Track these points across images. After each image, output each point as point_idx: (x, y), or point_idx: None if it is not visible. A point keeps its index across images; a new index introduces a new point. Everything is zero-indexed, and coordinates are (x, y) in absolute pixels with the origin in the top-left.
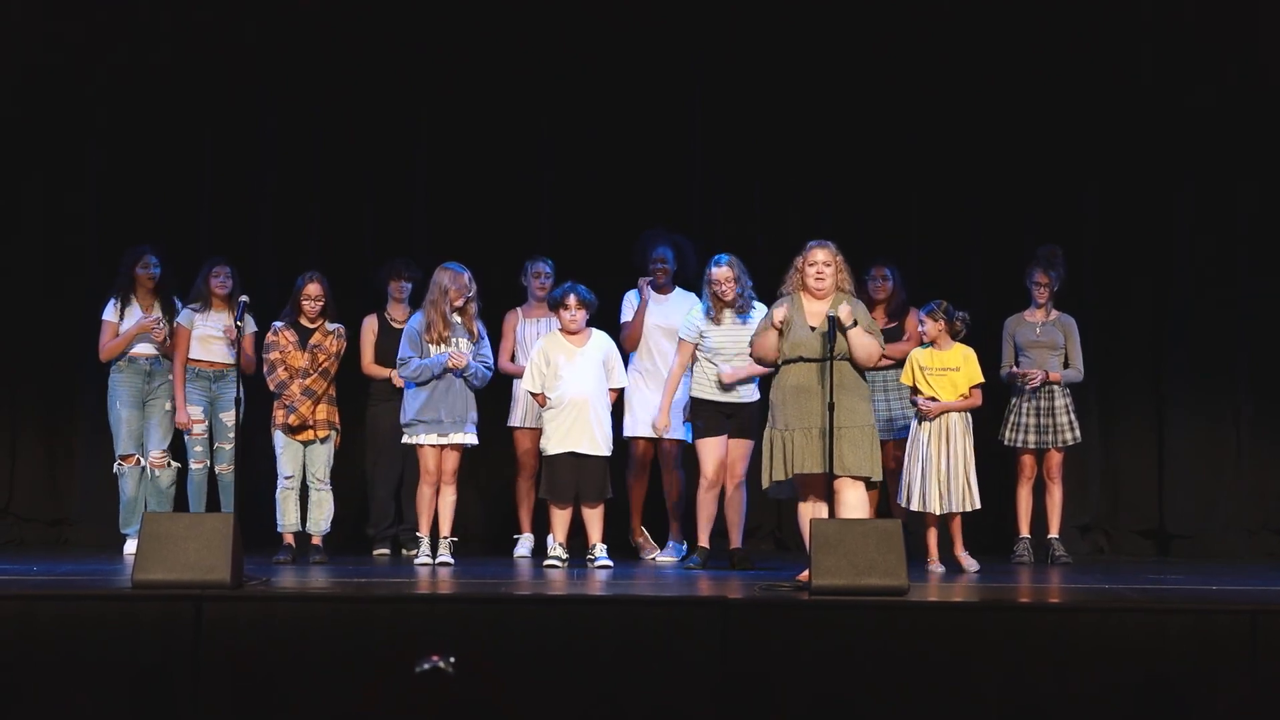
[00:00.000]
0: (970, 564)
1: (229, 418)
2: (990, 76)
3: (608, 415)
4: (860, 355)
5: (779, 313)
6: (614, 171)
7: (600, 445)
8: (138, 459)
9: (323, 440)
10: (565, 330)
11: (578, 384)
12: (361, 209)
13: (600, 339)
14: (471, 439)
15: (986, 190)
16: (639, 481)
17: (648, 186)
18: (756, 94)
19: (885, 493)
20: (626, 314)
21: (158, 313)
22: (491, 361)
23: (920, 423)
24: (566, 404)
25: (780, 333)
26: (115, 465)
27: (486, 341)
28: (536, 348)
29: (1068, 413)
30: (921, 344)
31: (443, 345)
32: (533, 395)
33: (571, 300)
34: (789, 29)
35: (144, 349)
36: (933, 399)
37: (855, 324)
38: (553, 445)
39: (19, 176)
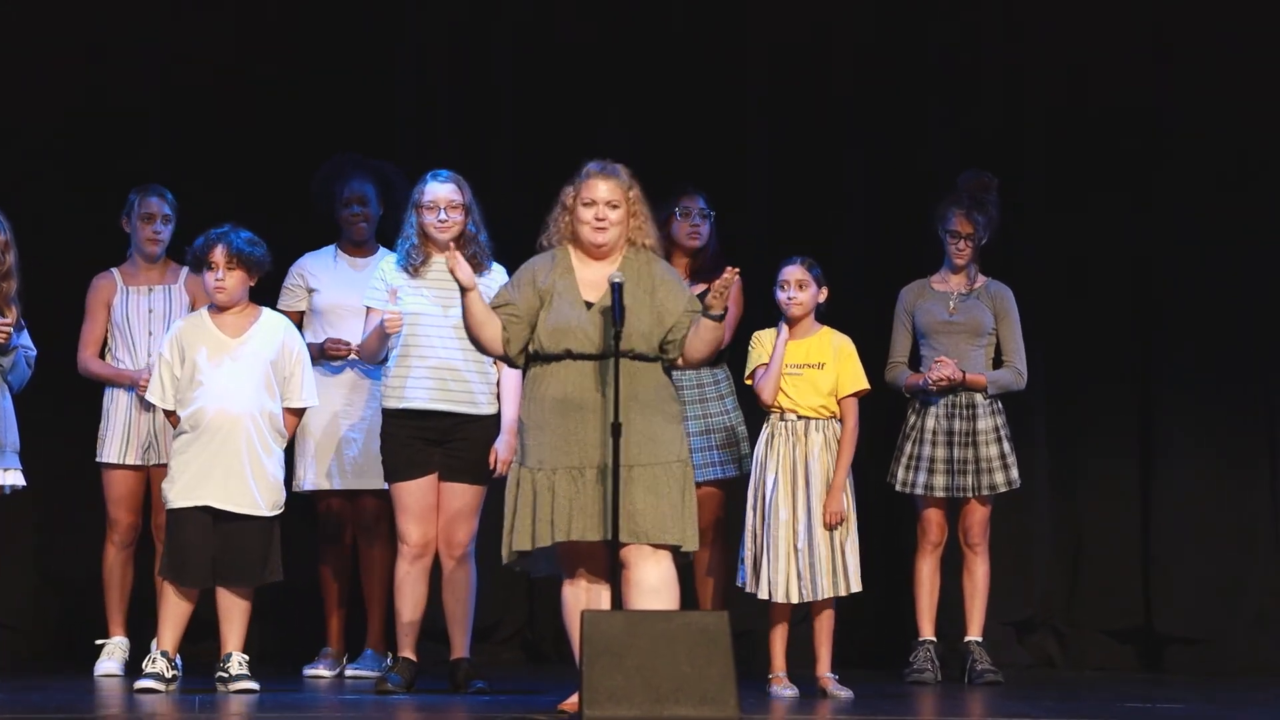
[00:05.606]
0: (840, 691)
1: None
2: None
3: (275, 453)
4: (701, 352)
5: (540, 272)
6: None
7: (257, 500)
8: None
9: None
10: (215, 306)
11: (227, 396)
12: None
13: (272, 324)
14: (15, 479)
15: (870, 85)
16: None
17: None
18: None
19: (691, 570)
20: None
21: None
22: (34, 354)
23: (767, 453)
24: (205, 428)
25: (542, 304)
26: None
27: (25, 331)
28: (168, 337)
29: (999, 440)
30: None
31: None
32: (166, 415)
33: (219, 253)
34: None
35: None
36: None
37: (722, 312)
38: (179, 494)
39: None
